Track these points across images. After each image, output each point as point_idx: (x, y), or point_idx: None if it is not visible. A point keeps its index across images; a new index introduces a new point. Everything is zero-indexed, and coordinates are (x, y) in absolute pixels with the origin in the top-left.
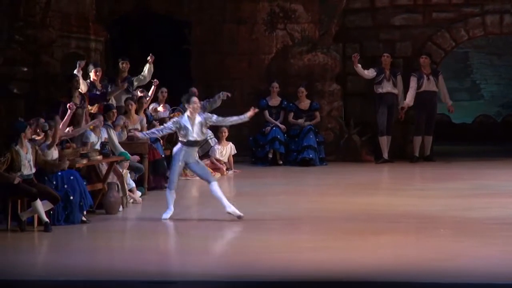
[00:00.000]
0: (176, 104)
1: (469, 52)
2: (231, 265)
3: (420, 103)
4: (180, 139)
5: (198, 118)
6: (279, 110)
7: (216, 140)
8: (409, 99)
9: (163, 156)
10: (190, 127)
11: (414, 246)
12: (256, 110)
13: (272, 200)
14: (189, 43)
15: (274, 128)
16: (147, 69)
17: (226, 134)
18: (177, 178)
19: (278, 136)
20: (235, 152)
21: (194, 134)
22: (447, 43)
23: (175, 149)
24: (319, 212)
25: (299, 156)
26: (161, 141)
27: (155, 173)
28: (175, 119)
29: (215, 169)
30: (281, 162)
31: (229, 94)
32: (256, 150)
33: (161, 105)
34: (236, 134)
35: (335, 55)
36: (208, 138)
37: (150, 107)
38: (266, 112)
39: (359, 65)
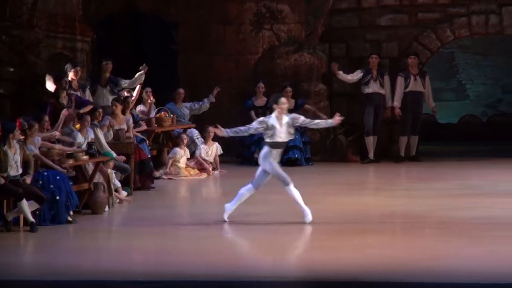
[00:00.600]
0: (162, 104)
1: (454, 52)
2: (218, 265)
3: (406, 103)
4: (266, 140)
5: (285, 119)
6: (265, 110)
7: (203, 140)
8: (397, 100)
9: (149, 156)
10: (278, 128)
11: (400, 246)
12: (342, 117)
13: (259, 200)
14: (176, 43)
15: None
16: (137, 76)
17: (212, 134)
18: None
19: None
20: (221, 152)
21: (282, 134)
22: (433, 44)
23: (262, 153)
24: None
25: (285, 156)
26: (147, 141)
27: (141, 173)
28: (261, 118)
29: (201, 169)
30: None
31: (219, 88)
32: (242, 150)
33: (146, 104)
34: None
35: (321, 56)
36: (195, 138)
37: (137, 108)
38: (252, 113)
39: (340, 72)
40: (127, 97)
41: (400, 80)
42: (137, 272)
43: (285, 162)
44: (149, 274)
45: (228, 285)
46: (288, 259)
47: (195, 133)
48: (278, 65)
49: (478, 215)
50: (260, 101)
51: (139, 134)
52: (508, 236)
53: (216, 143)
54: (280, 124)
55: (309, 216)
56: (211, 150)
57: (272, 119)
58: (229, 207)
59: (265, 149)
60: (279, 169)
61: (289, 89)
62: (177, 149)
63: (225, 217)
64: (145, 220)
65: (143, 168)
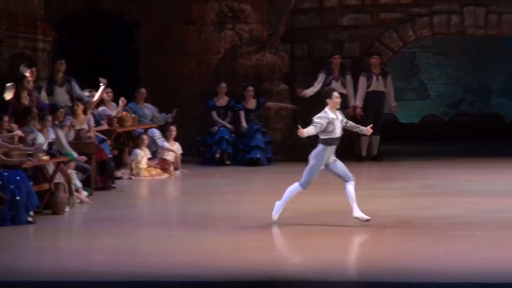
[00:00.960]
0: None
1: (416, 52)
2: (177, 265)
3: (368, 103)
4: (323, 137)
5: (339, 115)
6: (226, 110)
7: (164, 140)
8: (359, 99)
9: (110, 156)
10: (336, 122)
11: (361, 245)
12: (371, 130)
13: (219, 200)
14: (138, 43)
15: (221, 128)
16: (98, 93)
17: (174, 133)
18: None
19: (226, 136)
20: (182, 152)
21: (338, 130)
22: (395, 43)
23: (315, 151)
24: (266, 212)
25: (247, 156)
26: (108, 141)
27: (102, 173)
28: (322, 114)
29: (163, 169)
30: (228, 162)
31: (178, 111)
32: (203, 150)
33: (107, 105)
34: (183, 134)
35: (283, 55)
36: (156, 138)
37: (100, 108)
38: (214, 113)
39: (306, 91)
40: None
41: (362, 80)
42: (98, 272)
43: (247, 161)
44: (110, 274)
45: (190, 285)
46: (245, 259)
47: (156, 133)
48: (240, 65)
49: (439, 214)
50: (222, 101)
51: (100, 134)
52: (468, 235)
53: (177, 143)
54: (337, 118)
55: (363, 216)
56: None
57: (329, 113)
58: (279, 206)
59: (319, 147)
60: (314, 174)
61: (250, 88)
62: (138, 150)
63: (274, 216)
64: (106, 220)
65: (104, 168)
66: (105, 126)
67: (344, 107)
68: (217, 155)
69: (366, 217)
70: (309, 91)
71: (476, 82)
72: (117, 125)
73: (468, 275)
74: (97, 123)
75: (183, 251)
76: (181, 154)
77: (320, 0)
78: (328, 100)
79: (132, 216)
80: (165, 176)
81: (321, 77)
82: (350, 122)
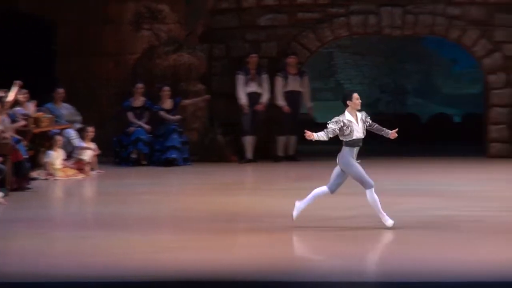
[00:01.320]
0: (42, 104)
1: (333, 52)
2: (92, 265)
3: (285, 102)
4: (344, 140)
5: (359, 115)
6: (143, 110)
7: (81, 140)
8: (281, 99)
9: (26, 157)
10: (355, 123)
11: (278, 245)
12: (396, 135)
13: (135, 200)
14: (54, 43)
15: (137, 128)
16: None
17: (92, 134)
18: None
19: (142, 137)
20: (98, 152)
21: (360, 130)
22: (312, 43)
23: (342, 154)
24: (182, 212)
25: (163, 156)
26: (24, 142)
27: (17, 174)
28: (335, 119)
29: (79, 169)
30: (145, 163)
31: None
32: (119, 151)
33: (23, 106)
34: (100, 135)
35: (201, 55)
36: (71, 138)
37: (15, 109)
38: (130, 114)
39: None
40: (2, 97)
41: (278, 80)
42: (12, 274)
43: (163, 162)
44: (25, 275)
45: (105, 285)
46: (160, 259)
47: (72, 133)
48: (157, 65)
49: (353, 213)
50: (138, 101)
51: (15, 135)
52: (372, 234)
53: (93, 143)
54: (356, 120)
55: (389, 221)
56: (88, 150)
57: (347, 115)
58: (300, 206)
59: (345, 150)
60: (363, 172)
61: (166, 88)
62: (51, 152)
63: (294, 215)
64: (21, 221)
65: (20, 169)
66: (22, 122)
67: (254, 105)
68: (134, 156)
69: (390, 222)
70: (239, 95)
71: (392, 82)
72: (33, 125)
73: (385, 274)
74: (13, 122)
75: (98, 251)
76: (97, 154)
77: (238, 1)
78: (348, 102)
79: (47, 216)
80: (81, 176)
81: (240, 79)
82: (376, 125)
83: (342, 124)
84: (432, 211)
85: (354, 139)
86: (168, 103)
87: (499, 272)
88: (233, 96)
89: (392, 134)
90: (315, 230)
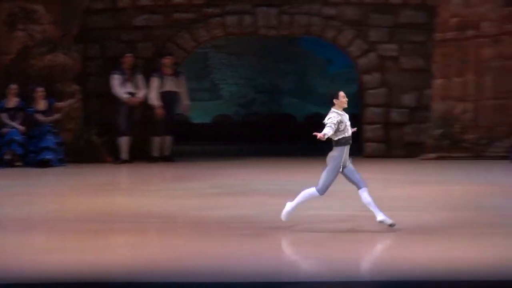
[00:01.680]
0: None
1: (209, 52)
2: None
3: (161, 103)
4: (338, 138)
5: (345, 114)
6: (16, 111)
7: None
8: (156, 100)
9: None
10: (347, 120)
11: (154, 246)
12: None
13: (9, 202)
14: None
15: (11, 130)
16: None
17: None
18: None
19: (16, 138)
20: None
21: (349, 128)
22: (187, 44)
23: (332, 154)
24: (57, 212)
25: (37, 157)
26: None
27: None
28: (331, 114)
29: None
30: (19, 164)
31: None
32: None
33: None
34: None
35: (76, 56)
36: None
37: None
38: (4, 115)
39: (118, 90)
40: None
41: (153, 81)
42: None
43: (38, 163)
44: None
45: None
46: (34, 261)
47: None
48: (32, 66)
49: (231, 214)
50: (11, 103)
51: None
52: (259, 234)
53: None
54: (345, 117)
55: (387, 220)
56: None
57: (339, 113)
58: (290, 208)
59: (337, 150)
60: (332, 179)
61: (40, 89)
62: None
63: (284, 217)
64: None
65: None
66: None
67: (136, 107)
68: (7, 157)
69: (390, 221)
70: (115, 91)
71: (267, 82)
72: None
73: (258, 275)
74: None
75: None
76: None
77: (113, 1)
78: (335, 101)
79: None
80: None
81: (115, 79)
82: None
83: (339, 118)
84: (303, 211)
85: (346, 137)
86: (42, 104)
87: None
88: (108, 97)
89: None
90: (187, 229)
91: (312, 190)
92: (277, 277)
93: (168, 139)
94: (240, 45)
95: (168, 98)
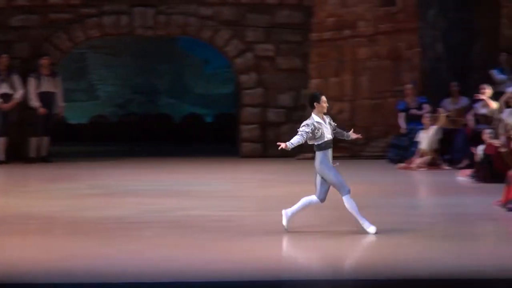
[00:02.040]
0: None
1: (86, 53)
2: None
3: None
4: (316, 143)
5: (326, 118)
6: None
7: None
8: (36, 100)
9: None
10: (324, 125)
11: (31, 247)
12: (356, 135)
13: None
14: None
15: None
16: None
17: None
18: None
19: None
20: None
21: (329, 131)
22: (64, 44)
23: (318, 161)
24: None
25: None
26: None
27: None
28: (308, 121)
29: None
30: None
31: None
32: None
33: None
34: None
35: None
36: None
37: None
38: None
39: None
40: None
41: (31, 81)
42: None
43: None
44: None
45: None
46: None
47: None
48: None
49: (109, 214)
50: None
51: None
52: (137, 236)
53: None
54: (324, 121)
55: (371, 227)
56: None
57: (315, 118)
58: (288, 214)
59: (319, 155)
60: (340, 177)
61: None
62: None
63: (284, 223)
64: None
65: None
66: None
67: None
68: None
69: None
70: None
71: (144, 83)
72: None
73: (138, 275)
74: None
75: None
76: None
77: None
78: (316, 104)
79: None
80: None
81: None
82: (338, 129)
83: (313, 127)
84: (182, 211)
85: (326, 141)
86: None
87: (248, 271)
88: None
89: (352, 134)
90: (65, 229)
91: (313, 199)
92: (142, 278)
93: (45, 139)
94: (117, 45)
95: (46, 98)
